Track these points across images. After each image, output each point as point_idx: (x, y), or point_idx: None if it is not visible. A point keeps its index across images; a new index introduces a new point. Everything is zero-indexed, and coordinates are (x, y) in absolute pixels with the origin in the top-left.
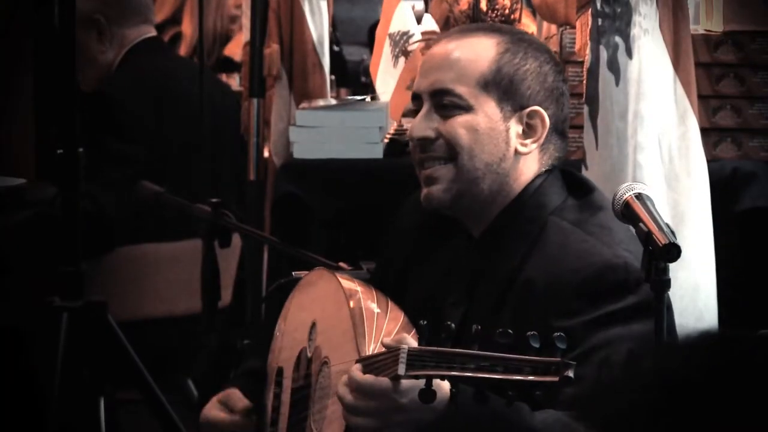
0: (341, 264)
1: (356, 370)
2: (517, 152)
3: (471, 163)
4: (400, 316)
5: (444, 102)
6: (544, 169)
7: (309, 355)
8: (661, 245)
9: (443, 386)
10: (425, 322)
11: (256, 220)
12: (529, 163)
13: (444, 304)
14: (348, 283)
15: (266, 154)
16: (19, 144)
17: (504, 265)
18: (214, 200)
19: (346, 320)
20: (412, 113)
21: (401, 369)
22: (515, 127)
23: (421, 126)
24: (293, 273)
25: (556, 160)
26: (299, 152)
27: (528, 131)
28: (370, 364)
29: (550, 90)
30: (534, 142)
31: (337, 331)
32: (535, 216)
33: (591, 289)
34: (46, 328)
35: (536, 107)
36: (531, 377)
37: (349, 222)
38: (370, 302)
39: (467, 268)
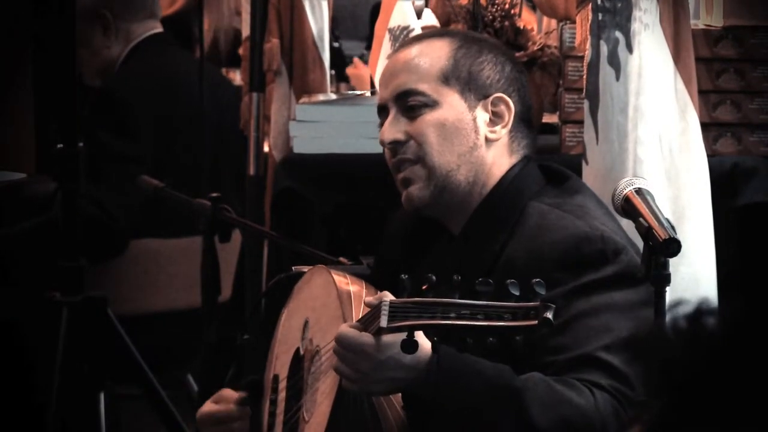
0: (341, 259)
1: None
2: (487, 140)
3: (442, 158)
4: None
5: (409, 103)
6: (517, 158)
7: (302, 352)
8: (661, 240)
9: (425, 346)
10: (406, 276)
11: (255, 214)
12: (501, 151)
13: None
14: (339, 276)
15: (266, 148)
16: (19, 139)
17: (485, 252)
18: (213, 195)
19: (335, 307)
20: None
21: (383, 321)
22: (482, 115)
23: (390, 130)
24: (293, 268)
25: (527, 148)
26: (299, 147)
27: (495, 118)
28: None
29: (509, 79)
30: (503, 127)
31: (326, 319)
32: (514, 203)
33: (570, 260)
34: (46, 322)
35: (499, 94)
36: (511, 323)
37: (349, 217)
38: (358, 288)
39: (449, 262)
